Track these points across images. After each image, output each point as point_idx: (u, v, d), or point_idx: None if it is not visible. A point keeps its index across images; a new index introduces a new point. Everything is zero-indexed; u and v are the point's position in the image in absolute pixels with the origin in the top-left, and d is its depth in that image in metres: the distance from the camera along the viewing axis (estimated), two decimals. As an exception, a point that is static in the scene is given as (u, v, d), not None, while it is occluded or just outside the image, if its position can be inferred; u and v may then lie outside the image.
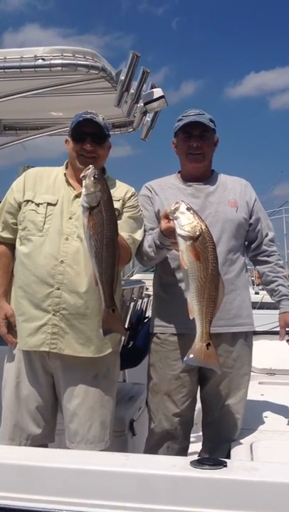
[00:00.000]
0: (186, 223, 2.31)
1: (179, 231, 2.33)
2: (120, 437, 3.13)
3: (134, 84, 2.88)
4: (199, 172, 2.89)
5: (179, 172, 2.99)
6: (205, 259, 2.29)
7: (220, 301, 2.35)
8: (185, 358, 2.38)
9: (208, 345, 2.31)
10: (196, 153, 2.83)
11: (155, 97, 3.07)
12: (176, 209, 2.35)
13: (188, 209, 2.35)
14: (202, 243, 2.30)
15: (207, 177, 2.92)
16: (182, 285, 2.75)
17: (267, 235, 2.95)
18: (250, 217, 2.89)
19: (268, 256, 2.94)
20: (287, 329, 2.88)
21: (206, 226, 2.35)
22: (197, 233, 2.29)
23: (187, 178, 2.91)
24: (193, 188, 2.86)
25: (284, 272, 2.93)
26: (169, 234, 2.47)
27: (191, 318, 2.33)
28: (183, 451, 2.79)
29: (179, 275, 2.77)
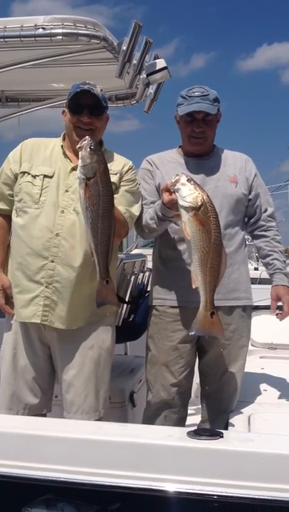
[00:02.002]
0: (187, 194, 2.33)
1: (181, 202, 2.35)
2: (120, 408, 3.19)
3: (137, 55, 2.84)
4: (200, 152, 2.89)
5: (180, 147, 2.97)
6: (207, 229, 2.32)
7: (223, 270, 2.39)
8: (191, 330, 2.44)
9: (212, 314, 2.36)
10: (199, 137, 2.81)
11: (158, 68, 3.03)
12: (177, 181, 2.37)
13: (188, 180, 2.36)
14: (204, 213, 2.33)
15: (208, 152, 2.91)
16: (181, 258, 2.79)
17: (266, 211, 2.94)
18: (250, 193, 2.89)
19: (265, 230, 2.94)
20: (279, 303, 2.90)
21: (208, 196, 2.37)
22: (199, 203, 2.32)
23: (188, 154, 2.91)
24: (193, 163, 2.85)
25: (280, 247, 2.95)
26: (172, 206, 2.49)
27: (194, 287, 2.37)
28: (180, 421, 2.83)
29: (179, 249, 2.80)
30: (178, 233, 2.78)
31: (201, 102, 2.75)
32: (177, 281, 2.79)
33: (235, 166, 2.89)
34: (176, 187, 2.37)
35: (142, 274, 3.67)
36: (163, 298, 2.84)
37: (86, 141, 2.30)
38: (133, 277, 3.51)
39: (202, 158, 2.88)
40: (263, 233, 2.94)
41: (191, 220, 2.31)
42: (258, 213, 2.93)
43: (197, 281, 2.35)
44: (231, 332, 2.82)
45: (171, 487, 1.70)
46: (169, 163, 2.88)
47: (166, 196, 2.50)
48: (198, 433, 1.80)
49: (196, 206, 2.31)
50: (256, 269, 16.69)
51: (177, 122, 2.90)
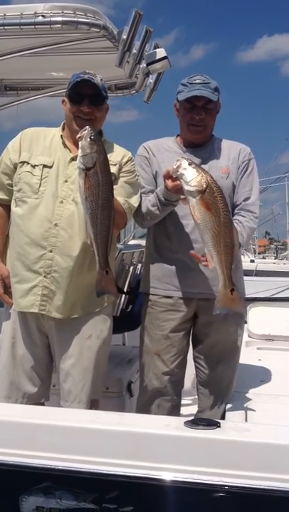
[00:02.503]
0: (191, 178, 2.36)
1: (186, 187, 2.38)
2: (118, 398, 3.21)
3: (137, 44, 2.82)
4: (198, 141, 2.88)
5: (178, 136, 2.96)
6: (216, 209, 2.35)
7: (236, 247, 2.42)
8: (214, 309, 2.46)
9: (231, 290, 2.40)
10: (198, 124, 2.80)
11: (158, 57, 3.02)
12: (179, 166, 2.39)
13: (190, 164, 2.39)
14: (210, 194, 2.35)
15: (205, 143, 2.90)
16: (175, 248, 2.80)
17: (247, 199, 2.87)
18: (237, 180, 2.86)
19: (239, 215, 2.85)
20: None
21: (211, 177, 2.41)
22: (204, 186, 2.35)
23: (185, 143, 2.90)
24: (188, 154, 2.83)
25: (244, 235, 2.80)
26: (177, 192, 2.52)
27: (211, 268, 2.40)
28: (174, 410, 2.85)
29: (173, 238, 2.81)
30: (174, 223, 2.79)
31: (202, 89, 2.74)
32: (169, 270, 2.81)
33: (229, 156, 2.88)
34: (178, 173, 2.39)
35: (140, 265, 3.67)
36: (155, 287, 2.86)
37: (86, 131, 2.30)
38: (132, 268, 3.52)
39: (197, 148, 2.87)
40: (236, 217, 2.84)
41: (199, 203, 2.34)
42: (239, 200, 2.86)
43: (213, 261, 2.38)
44: (225, 322, 2.82)
45: (168, 476, 1.71)
46: (165, 151, 2.87)
47: (169, 183, 2.51)
48: (195, 422, 1.80)
49: (201, 189, 2.34)
50: (252, 261, 16.72)
51: (176, 110, 2.89)
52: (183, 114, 2.84)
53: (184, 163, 2.39)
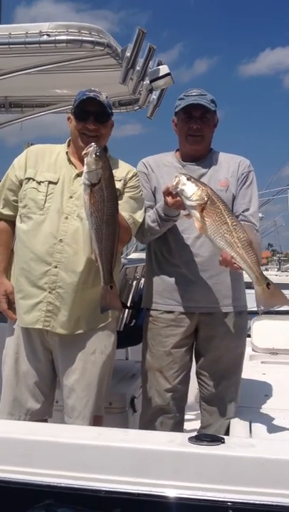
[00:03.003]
0: (192, 193, 2.38)
1: (188, 203, 2.40)
2: (121, 414, 3.19)
3: (140, 61, 2.85)
4: (197, 153, 2.90)
5: (177, 150, 2.98)
6: (220, 217, 2.36)
7: (255, 241, 2.38)
8: (258, 309, 2.40)
9: (268, 285, 2.34)
10: (196, 134, 2.83)
11: (161, 74, 3.04)
12: (178, 183, 2.40)
13: (188, 179, 2.40)
14: (212, 205, 2.37)
15: (204, 156, 2.92)
16: (176, 263, 2.81)
17: (246, 210, 2.87)
18: (236, 192, 2.87)
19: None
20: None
21: (210, 188, 2.43)
22: (205, 198, 2.37)
23: (184, 157, 2.92)
24: (187, 168, 2.86)
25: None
26: (177, 208, 2.53)
27: (240, 272, 2.42)
28: (177, 426, 2.84)
29: (174, 252, 2.81)
30: (174, 237, 2.80)
31: (198, 99, 2.79)
32: (170, 284, 2.82)
33: (228, 169, 2.89)
34: (178, 189, 2.41)
35: (143, 279, 3.68)
36: (156, 302, 2.86)
37: (92, 148, 2.32)
38: (135, 282, 3.52)
39: (196, 162, 2.89)
40: None
41: (203, 216, 2.36)
42: (238, 211, 2.85)
43: (238, 264, 2.34)
44: (227, 337, 2.82)
45: (172, 493, 1.70)
46: (164, 166, 2.89)
47: (169, 199, 2.52)
48: (199, 438, 1.79)
49: (203, 202, 2.36)
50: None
51: (175, 125, 2.93)
52: (181, 126, 2.87)
53: (183, 178, 2.40)
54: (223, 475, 1.69)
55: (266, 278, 2.35)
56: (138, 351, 3.10)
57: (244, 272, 2.43)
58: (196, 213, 2.37)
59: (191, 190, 2.37)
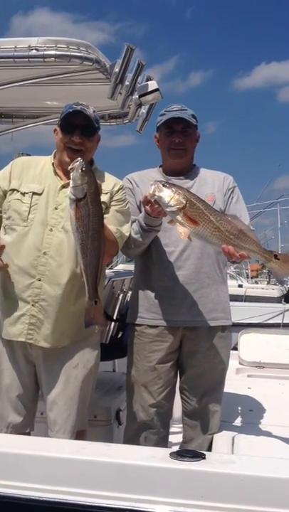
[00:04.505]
0: (169, 199, 2.38)
1: (167, 209, 2.40)
2: (106, 426, 3.18)
3: (129, 76, 2.88)
4: (180, 167, 2.93)
5: (160, 166, 3.01)
6: (204, 218, 2.37)
7: (243, 226, 2.43)
8: (279, 283, 2.44)
9: (276, 257, 2.41)
10: (178, 148, 2.86)
11: (150, 89, 3.06)
12: (154, 190, 2.41)
13: (164, 185, 2.41)
14: (192, 207, 2.37)
15: (187, 172, 2.95)
16: (163, 277, 2.81)
17: None
18: (225, 208, 2.90)
19: None
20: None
21: (187, 190, 2.45)
22: (184, 202, 2.37)
23: (168, 172, 2.94)
24: (172, 182, 2.87)
25: None
26: (158, 215, 2.54)
27: (246, 258, 2.41)
28: (161, 441, 2.83)
29: (160, 266, 2.82)
30: (159, 250, 2.81)
31: (179, 114, 2.84)
32: (155, 299, 2.82)
33: (214, 184, 2.93)
34: (156, 196, 2.41)
35: (130, 292, 3.69)
36: (141, 316, 2.86)
37: (78, 163, 2.33)
38: (122, 295, 3.53)
39: (182, 177, 2.91)
40: None
41: (184, 219, 2.36)
42: None
43: (241, 250, 2.37)
44: (211, 353, 2.83)
45: (153, 508, 1.70)
46: (148, 181, 2.91)
47: (148, 208, 2.54)
48: (180, 454, 1.80)
49: (182, 206, 2.36)
50: (240, 286, 16.72)
51: (157, 141, 2.97)
52: (163, 141, 2.91)
53: (158, 185, 2.41)
54: (204, 491, 1.70)
55: (271, 252, 2.42)
56: (125, 363, 3.10)
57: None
58: (178, 218, 2.37)
59: (168, 196, 2.37)
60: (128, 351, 2.93)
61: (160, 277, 2.82)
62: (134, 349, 2.88)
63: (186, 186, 2.80)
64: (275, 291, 17.58)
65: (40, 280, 2.51)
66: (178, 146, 2.86)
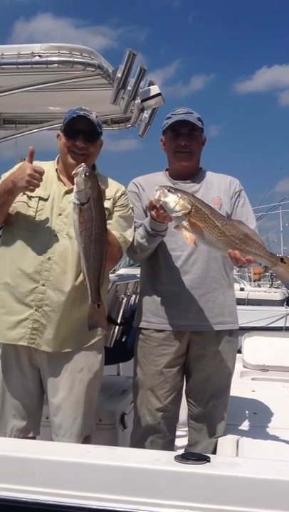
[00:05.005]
0: (174, 205, 2.38)
1: (173, 214, 2.41)
2: (111, 430, 3.19)
3: (132, 81, 2.90)
4: (187, 170, 2.93)
5: (166, 170, 3.02)
6: (208, 222, 2.38)
7: (249, 230, 2.44)
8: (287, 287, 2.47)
9: (282, 260, 2.43)
10: (184, 151, 2.87)
11: (152, 94, 3.08)
12: (160, 196, 2.42)
13: (169, 190, 2.42)
14: (197, 212, 2.38)
15: (194, 175, 2.96)
16: (169, 281, 2.81)
17: None
18: (232, 211, 2.91)
19: None
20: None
21: (193, 195, 2.45)
22: (189, 207, 2.37)
23: (174, 175, 2.95)
24: (178, 186, 2.86)
25: None
26: (163, 220, 2.55)
27: (254, 262, 2.42)
28: (168, 445, 2.83)
29: (167, 271, 2.82)
30: (166, 255, 2.82)
31: (185, 117, 2.84)
32: (164, 304, 2.82)
33: (220, 187, 2.93)
34: (161, 202, 2.42)
35: (134, 296, 3.70)
36: (148, 321, 2.86)
37: (81, 168, 2.35)
38: (125, 299, 3.54)
39: (188, 180, 2.92)
40: None
41: (190, 225, 2.37)
42: None
43: (247, 255, 2.38)
44: (217, 357, 2.83)
45: (158, 511, 1.70)
46: (154, 185, 2.92)
47: (154, 213, 2.55)
48: (185, 457, 1.80)
49: (187, 211, 2.37)
50: (242, 289, 16.73)
51: (163, 144, 2.97)
52: (169, 144, 2.92)
53: (164, 190, 2.42)
54: (209, 494, 1.70)
55: (277, 256, 2.43)
56: (130, 367, 3.11)
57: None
58: (184, 223, 2.38)
59: (173, 202, 2.38)
60: (135, 355, 2.93)
61: (167, 282, 2.82)
62: (140, 353, 2.88)
63: (192, 190, 2.82)
64: (277, 294, 17.55)
65: (43, 285, 2.52)
66: (184, 149, 2.87)
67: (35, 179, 2.45)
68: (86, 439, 2.60)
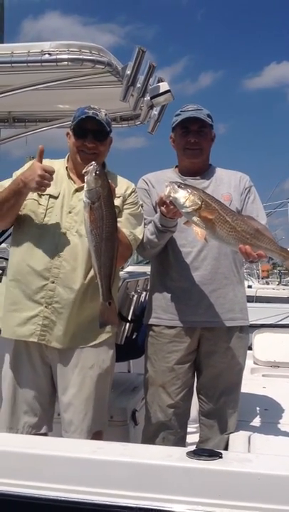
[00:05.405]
0: (185, 200, 2.39)
1: (183, 210, 2.42)
2: (122, 427, 3.21)
3: (141, 78, 2.90)
4: (196, 167, 2.94)
5: (176, 166, 3.03)
6: (219, 217, 2.39)
7: (259, 225, 2.45)
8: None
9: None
10: (194, 148, 2.88)
11: (161, 91, 3.08)
12: (170, 192, 2.43)
13: (179, 186, 2.43)
14: (207, 207, 2.39)
15: (203, 171, 2.96)
16: (180, 278, 2.82)
17: None
18: (242, 208, 2.91)
19: None
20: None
21: (203, 191, 2.46)
22: (199, 203, 2.38)
23: (184, 172, 2.95)
24: (188, 182, 2.87)
25: None
26: (173, 216, 2.55)
27: (265, 258, 2.43)
28: (179, 442, 2.84)
29: (174, 266, 2.83)
30: (176, 251, 2.82)
31: (195, 114, 2.85)
32: (172, 300, 2.82)
33: (230, 184, 2.94)
34: (171, 197, 2.43)
35: (144, 293, 3.71)
36: (158, 317, 2.87)
37: (92, 167, 2.36)
38: (136, 296, 3.55)
39: (198, 177, 2.92)
40: None
41: (201, 221, 2.37)
42: None
43: (258, 250, 2.38)
44: (228, 353, 2.84)
45: (170, 507, 1.71)
46: (164, 182, 2.93)
47: (164, 209, 2.55)
48: (197, 453, 1.80)
49: (197, 207, 2.37)
50: (250, 286, 16.73)
51: (173, 142, 2.98)
52: (178, 141, 2.92)
53: (174, 186, 2.43)
54: (221, 490, 1.70)
55: (288, 250, 2.44)
56: (140, 364, 3.12)
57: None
58: (194, 219, 2.39)
59: (183, 197, 2.39)
60: (145, 352, 2.94)
61: (177, 278, 2.82)
62: (151, 350, 2.88)
63: (202, 186, 2.82)
64: (285, 291, 17.50)
65: (53, 283, 2.54)
66: (193, 146, 2.87)
67: (45, 179, 2.46)
68: (98, 436, 2.60)
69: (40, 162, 2.52)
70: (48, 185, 2.50)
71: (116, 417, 3.15)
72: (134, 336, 3.53)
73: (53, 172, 2.49)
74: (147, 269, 3.17)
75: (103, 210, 2.34)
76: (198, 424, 3.01)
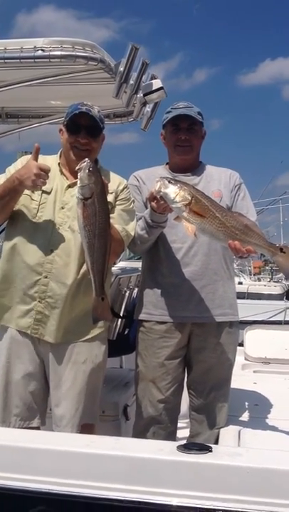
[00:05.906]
0: (175, 195, 2.40)
1: (173, 205, 2.43)
2: (114, 422, 3.22)
3: (134, 75, 2.90)
4: (187, 164, 2.96)
5: (167, 163, 3.04)
6: (208, 213, 2.40)
7: (248, 221, 2.46)
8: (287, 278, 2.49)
9: (281, 250, 2.44)
10: (184, 145, 2.89)
11: (154, 88, 3.09)
12: (160, 187, 2.44)
13: (169, 182, 2.44)
14: (197, 203, 2.40)
15: (194, 168, 2.98)
16: (170, 273, 2.83)
17: None
18: (232, 204, 2.93)
19: None
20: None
21: (193, 187, 2.47)
22: (189, 198, 2.39)
23: (175, 169, 2.97)
24: (179, 179, 2.90)
25: None
26: (163, 211, 2.56)
27: (253, 252, 2.43)
28: (169, 436, 2.86)
29: (168, 263, 2.84)
30: (166, 247, 2.83)
31: (185, 111, 2.86)
32: (165, 296, 2.84)
33: (220, 180, 2.95)
34: (161, 193, 2.44)
35: (136, 289, 3.73)
36: (149, 313, 2.88)
37: (85, 163, 2.37)
38: (128, 292, 3.56)
39: (187, 174, 2.94)
40: None
41: (191, 215, 2.38)
42: None
43: (247, 245, 2.39)
44: (218, 349, 2.86)
45: (161, 500, 1.73)
46: (155, 178, 2.94)
47: (154, 204, 2.57)
48: (188, 447, 1.83)
49: (187, 202, 2.38)
50: (240, 283, 16.79)
51: (163, 138, 2.99)
52: (169, 138, 2.94)
53: (164, 182, 2.44)
54: (211, 483, 1.73)
55: (276, 246, 2.45)
56: (132, 359, 3.14)
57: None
58: (184, 214, 2.40)
59: (173, 193, 2.40)
60: (136, 347, 2.95)
61: (168, 274, 2.84)
62: (142, 345, 2.90)
63: (192, 183, 2.82)
64: (277, 288, 17.56)
65: (46, 278, 2.56)
66: (184, 143, 2.89)
67: (41, 178, 2.47)
68: (90, 430, 2.61)
69: (36, 160, 2.53)
70: (44, 184, 2.51)
71: (108, 411, 3.17)
72: (126, 332, 3.55)
73: (49, 170, 2.51)
74: (139, 265, 3.18)
75: (96, 207, 2.35)
76: (188, 419, 3.04)
